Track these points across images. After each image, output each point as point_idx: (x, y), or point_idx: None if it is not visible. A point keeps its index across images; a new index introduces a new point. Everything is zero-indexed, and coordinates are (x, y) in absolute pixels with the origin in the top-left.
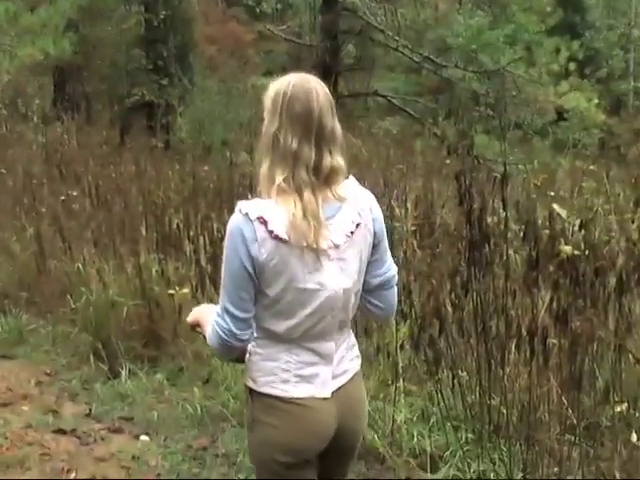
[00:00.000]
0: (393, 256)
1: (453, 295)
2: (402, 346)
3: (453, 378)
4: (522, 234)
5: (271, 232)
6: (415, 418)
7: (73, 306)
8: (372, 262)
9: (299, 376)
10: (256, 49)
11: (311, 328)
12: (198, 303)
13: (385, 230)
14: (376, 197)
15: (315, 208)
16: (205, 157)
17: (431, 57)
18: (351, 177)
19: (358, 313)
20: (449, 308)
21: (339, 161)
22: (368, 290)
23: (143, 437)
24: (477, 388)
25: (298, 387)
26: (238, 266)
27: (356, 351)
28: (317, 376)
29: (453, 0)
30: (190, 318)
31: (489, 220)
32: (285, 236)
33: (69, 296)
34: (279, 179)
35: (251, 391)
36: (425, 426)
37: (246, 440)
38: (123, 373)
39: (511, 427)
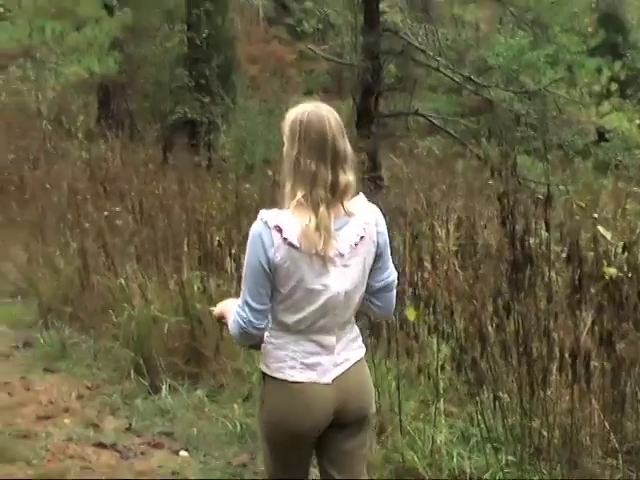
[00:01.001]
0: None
1: (495, 316)
2: (443, 367)
3: (494, 399)
4: (565, 256)
5: (285, 239)
6: (455, 439)
7: (115, 321)
8: (375, 269)
9: (304, 364)
10: (297, 69)
11: (315, 322)
12: None
13: (388, 241)
14: (419, 217)
15: (328, 222)
16: (247, 175)
17: (472, 77)
18: (361, 194)
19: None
20: (491, 329)
21: (350, 178)
22: (371, 292)
23: (183, 453)
24: (518, 410)
25: (303, 373)
26: (257, 265)
27: (359, 342)
28: (319, 365)
29: (494, 20)
30: (216, 310)
31: (532, 242)
32: (297, 243)
33: (112, 311)
34: (299, 195)
35: (264, 375)
36: (465, 447)
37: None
38: (164, 389)
39: (552, 450)
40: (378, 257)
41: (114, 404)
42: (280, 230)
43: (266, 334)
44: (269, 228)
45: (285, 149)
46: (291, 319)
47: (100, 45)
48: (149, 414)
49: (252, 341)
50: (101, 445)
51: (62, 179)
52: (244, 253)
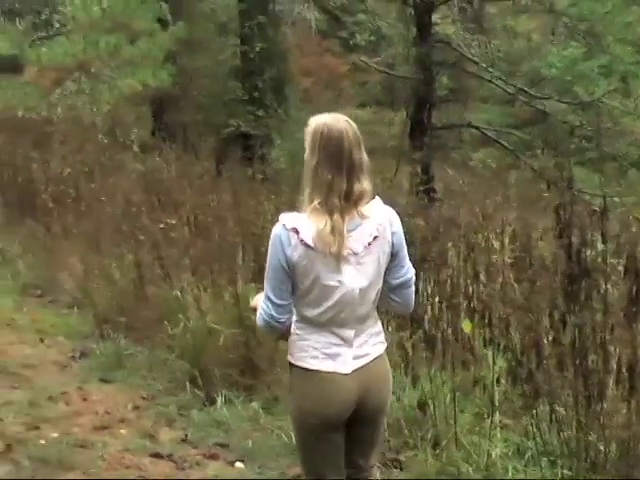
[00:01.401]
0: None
1: (551, 329)
2: (498, 379)
3: (550, 412)
4: (622, 268)
5: (301, 240)
6: (510, 452)
7: (171, 332)
8: (392, 267)
9: (325, 354)
10: (350, 81)
11: (334, 316)
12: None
13: (404, 241)
14: (474, 229)
15: (341, 227)
16: (300, 188)
17: (525, 89)
18: (377, 197)
19: None
20: (547, 342)
21: (365, 186)
22: (390, 289)
23: (238, 464)
24: (574, 423)
25: (324, 362)
26: (277, 263)
27: (381, 338)
28: (339, 355)
29: (547, 31)
30: (252, 303)
31: (588, 254)
32: (312, 244)
33: (167, 322)
34: (316, 202)
35: (290, 364)
36: (520, 461)
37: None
38: (219, 400)
39: (609, 464)
40: (394, 256)
41: (170, 415)
42: (297, 231)
43: (292, 326)
44: (287, 230)
45: (306, 157)
46: (312, 313)
47: (154, 58)
48: (205, 425)
49: (276, 333)
50: (157, 455)
51: (117, 191)
52: None
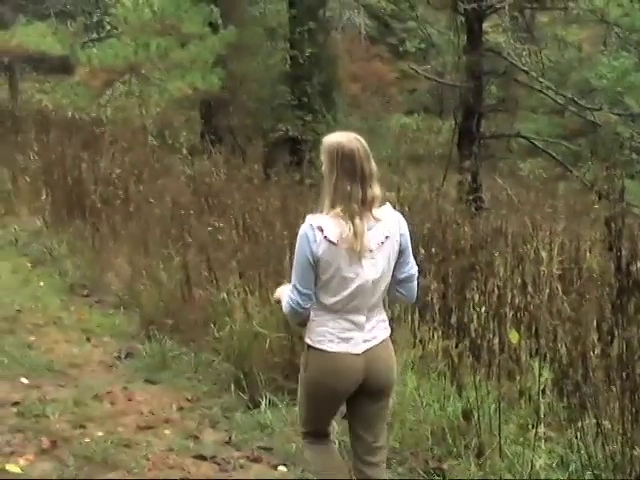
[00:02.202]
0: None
1: (599, 341)
2: (544, 391)
3: (596, 426)
4: None
5: (325, 237)
6: (554, 464)
7: (217, 335)
8: (399, 263)
9: (340, 338)
10: (398, 88)
11: (349, 304)
12: None
13: (409, 241)
14: (523, 240)
15: (362, 230)
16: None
17: (575, 99)
18: (387, 203)
19: None
20: (594, 354)
21: (376, 191)
22: (397, 282)
23: (281, 467)
24: (620, 437)
25: (339, 345)
26: (304, 257)
27: (386, 324)
28: (352, 339)
29: (598, 41)
30: (276, 295)
31: (638, 267)
32: (335, 241)
33: (213, 325)
34: (338, 209)
35: (308, 346)
36: (564, 473)
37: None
38: (263, 403)
39: None
40: (401, 253)
41: (214, 417)
42: (322, 230)
43: (311, 314)
44: (313, 228)
45: (325, 172)
46: (329, 301)
47: (204, 62)
48: (248, 428)
49: (301, 318)
50: (201, 457)
51: (166, 193)
52: None
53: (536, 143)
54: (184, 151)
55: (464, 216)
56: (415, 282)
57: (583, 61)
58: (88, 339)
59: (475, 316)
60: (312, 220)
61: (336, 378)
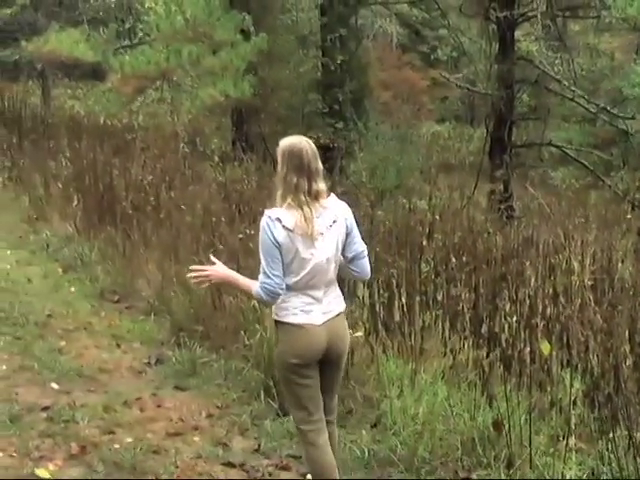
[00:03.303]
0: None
1: (631, 353)
2: (575, 402)
3: (628, 438)
4: None
5: (284, 226)
6: (585, 476)
7: (247, 343)
8: (347, 243)
9: (302, 311)
10: (430, 96)
11: (308, 281)
12: (371, 347)
13: (354, 224)
14: (556, 249)
15: (310, 216)
16: (378, 201)
17: (607, 107)
18: (332, 194)
19: None
20: (626, 366)
21: (321, 185)
22: (348, 260)
23: (310, 477)
24: None
25: (301, 316)
26: (269, 245)
27: (341, 299)
28: (312, 311)
29: (630, 49)
30: (220, 273)
31: None
32: (291, 228)
33: (243, 332)
34: (289, 200)
35: (276, 322)
36: None
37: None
38: None
39: None
40: (348, 235)
41: (243, 424)
42: (280, 220)
43: None
44: (272, 220)
45: (278, 168)
46: (292, 280)
47: (235, 69)
48: (277, 436)
49: (275, 300)
50: (230, 464)
51: (197, 200)
52: (376, 280)
53: (568, 152)
54: (215, 158)
55: (495, 225)
56: (365, 259)
57: (615, 69)
58: (118, 345)
59: (506, 326)
60: (270, 213)
61: (303, 346)
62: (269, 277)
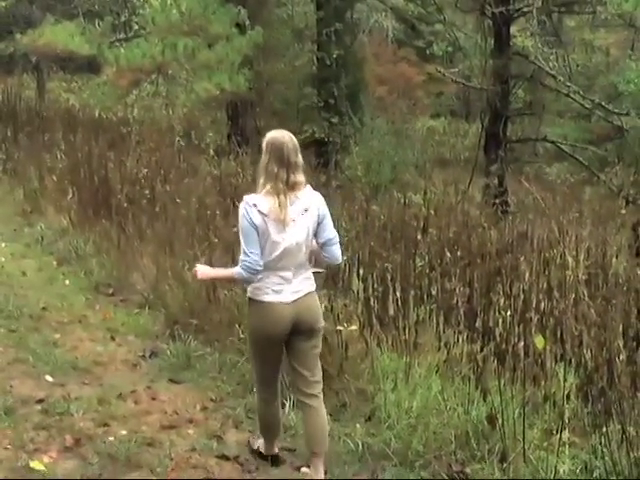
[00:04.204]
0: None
1: (624, 347)
2: (568, 396)
3: (621, 432)
4: None
5: (259, 211)
6: (578, 470)
7: (241, 336)
8: (319, 231)
9: (273, 290)
10: (425, 90)
11: (279, 262)
12: (365, 341)
13: (326, 213)
14: (550, 244)
15: (285, 203)
16: (373, 196)
17: (602, 103)
18: (308, 185)
19: None
20: (620, 361)
21: (299, 177)
22: (321, 246)
23: (304, 469)
24: None
25: (272, 296)
26: (247, 226)
27: (311, 281)
28: (282, 291)
29: (625, 45)
30: (208, 273)
31: None
32: (266, 212)
33: (237, 326)
34: (268, 187)
35: (249, 299)
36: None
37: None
38: (287, 405)
39: None
40: (320, 223)
41: (238, 417)
42: (255, 205)
43: None
44: (250, 205)
45: (261, 158)
46: (265, 260)
47: (231, 63)
48: None
49: (255, 276)
50: (224, 457)
51: (192, 194)
52: (371, 275)
53: (563, 147)
54: (210, 152)
55: (490, 220)
56: (336, 245)
57: (610, 65)
58: (113, 338)
59: (500, 320)
60: (248, 199)
61: (272, 322)
62: (248, 255)
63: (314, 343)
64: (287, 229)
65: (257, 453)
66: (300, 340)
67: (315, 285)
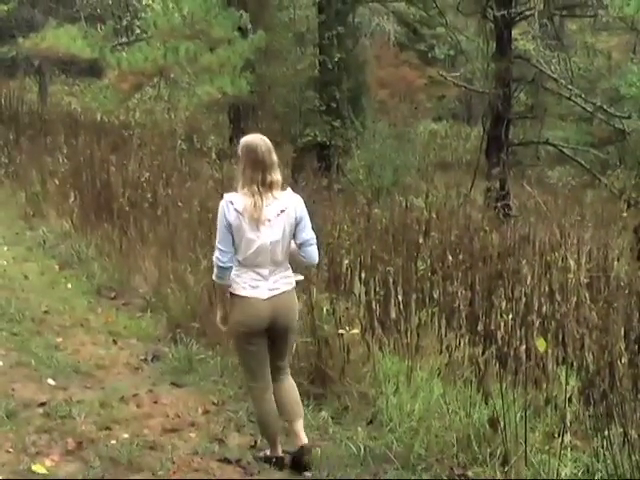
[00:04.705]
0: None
1: (626, 351)
2: (570, 399)
3: (623, 435)
4: None
5: (235, 209)
6: (580, 473)
7: None
8: (297, 231)
9: (250, 286)
10: (427, 94)
11: (255, 259)
12: (367, 344)
13: (304, 214)
14: (552, 247)
15: (260, 204)
16: (375, 199)
17: (604, 106)
18: (289, 188)
19: None
20: (621, 364)
21: (275, 177)
22: (298, 246)
23: (306, 473)
24: None
25: (249, 291)
26: (222, 223)
27: (290, 280)
28: (259, 287)
29: (627, 49)
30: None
31: None
32: (241, 211)
33: None
34: (245, 189)
35: (230, 293)
36: None
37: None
38: None
39: None
40: (297, 224)
41: (239, 421)
42: (232, 203)
43: (233, 271)
44: (227, 203)
45: (238, 162)
46: (241, 257)
47: (233, 66)
48: None
49: (226, 275)
50: (226, 460)
51: (194, 197)
52: (373, 278)
53: (564, 151)
54: (212, 155)
55: (492, 223)
56: (313, 246)
57: (612, 69)
58: (115, 341)
59: (502, 323)
60: (227, 197)
61: (249, 316)
62: (219, 251)
63: (289, 340)
64: (262, 228)
65: (265, 459)
66: (277, 339)
67: (294, 284)
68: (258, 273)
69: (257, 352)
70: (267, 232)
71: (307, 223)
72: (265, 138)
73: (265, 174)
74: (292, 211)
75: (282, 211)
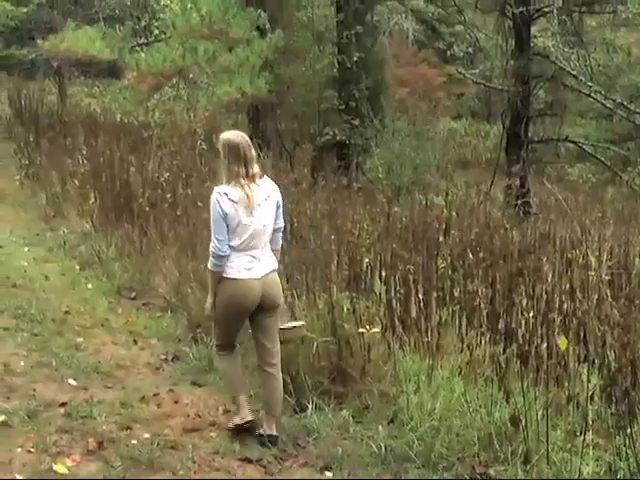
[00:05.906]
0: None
1: None
2: (592, 397)
3: None
4: None
5: (230, 199)
6: (602, 472)
7: None
8: (275, 216)
9: (245, 268)
10: (446, 92)
11: (250, 243)
12: (388, 343)
13: (281, 202)
14: (573, 245)
15: (250, 193)
16: (394, 198)
17: (624, 103)
18: (265, 176)
19: None
20: None
21: (256, 169)
22: (272, 231)
23: (327, 472)
24: None
25: (244, 273)
26: (217, 214)
27: (274, 259)
28: (253, 268)
29: None
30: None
31: None
32: (236, 200)
33: None
34: (233, 182)
35: (223, 277)
36: None
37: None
38: (309, 407)
39: None
40: (277, 209)
41: (259, 420)
42: (226, 194)
43: None
44: (221, 194)
45: (221, 158)
46: (236, 243)
47: (252, 66)
48: (294, 431)
49: (224, 262)
50: (246, 460)
51: None
52: (393, 277)
53: (584, 147)
54: None
55: (512, 221)
56: (279, 234)
57: (632, 65)
58: (135, 341)
59: (523, 321)
60: (219, 189)
61: (244, 296)
62: (217, 242)
63: (275, 318)
64: (254, 213)
65: (238, 428)
66: (265, 316)
67: (277, 263)
68: (252, 256)
69: (238, 328)
70: (259, 216)
71: (282, 211)
72: (244, 134)
73: (248, 167)
74: (274, 197)
75: (268, 196)
